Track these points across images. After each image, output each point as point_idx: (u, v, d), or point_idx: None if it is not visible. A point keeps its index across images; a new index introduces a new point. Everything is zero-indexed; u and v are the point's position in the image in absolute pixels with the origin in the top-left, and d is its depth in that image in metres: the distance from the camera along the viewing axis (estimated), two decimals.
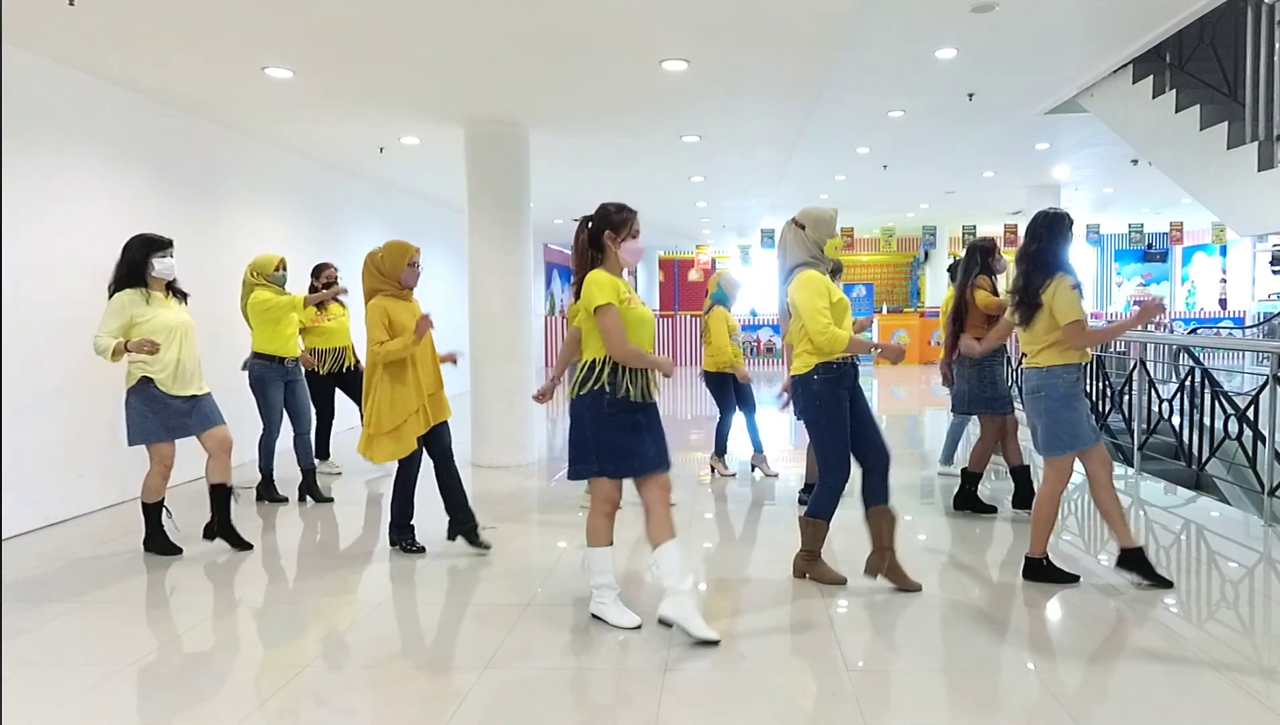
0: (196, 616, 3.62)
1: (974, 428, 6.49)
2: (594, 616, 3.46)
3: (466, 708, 2.74)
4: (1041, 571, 3.88)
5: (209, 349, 5.11)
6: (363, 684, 2.98)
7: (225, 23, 4.61)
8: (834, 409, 3.73)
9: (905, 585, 3.78)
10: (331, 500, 5.75)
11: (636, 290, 3.66)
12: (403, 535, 4.49)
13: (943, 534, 4.80)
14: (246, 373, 5.59)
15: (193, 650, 3.28)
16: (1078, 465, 3.88)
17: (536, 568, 4.25)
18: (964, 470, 5.21)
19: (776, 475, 6.35)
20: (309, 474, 5.74)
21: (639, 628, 3.35)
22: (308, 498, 5.71)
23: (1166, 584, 3.80)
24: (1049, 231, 3.81)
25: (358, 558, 4.51)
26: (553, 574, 4.12)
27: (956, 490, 5.24)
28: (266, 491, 5.68)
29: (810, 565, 3.92)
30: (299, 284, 6.22)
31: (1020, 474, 5.17)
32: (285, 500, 5.70)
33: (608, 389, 3.28)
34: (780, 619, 3.52)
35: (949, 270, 5.95)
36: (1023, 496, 5.13)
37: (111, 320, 4.31)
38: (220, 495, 4.51)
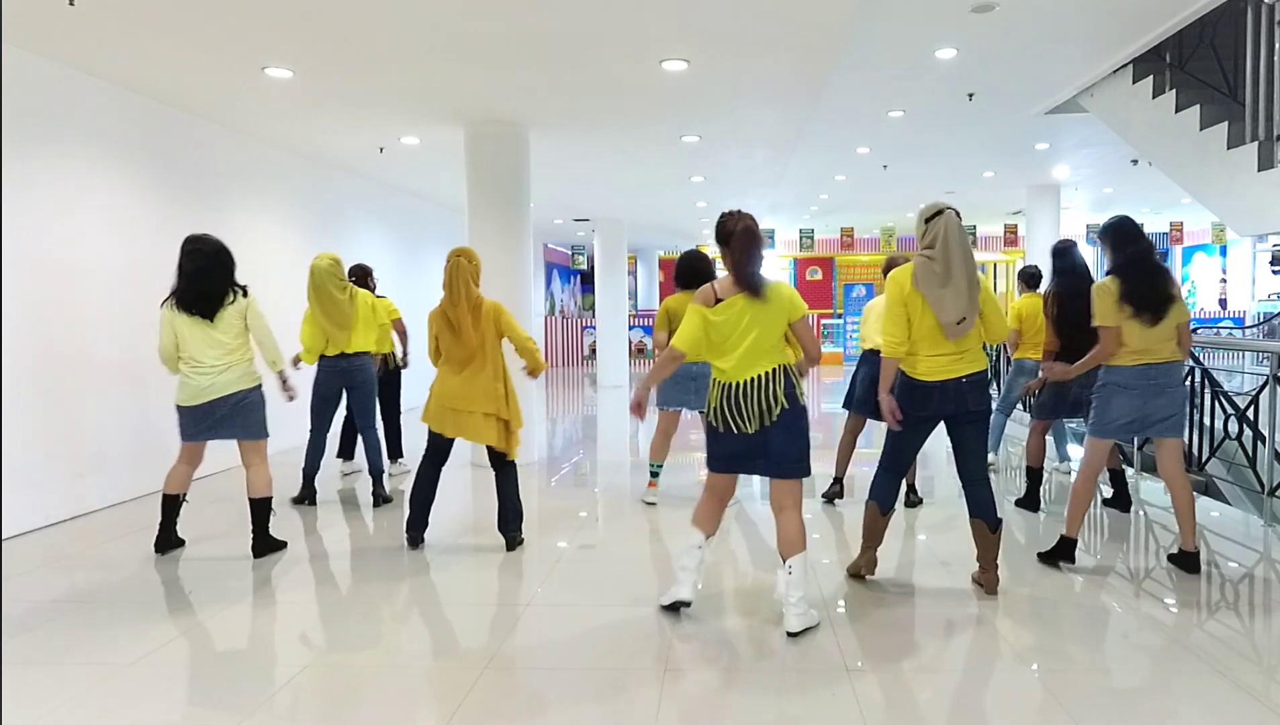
0: (195, 617, 3.62)
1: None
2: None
3: (466, 708, 2.74)
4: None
5: None
6: (362, 684, 2.98)
7: (225, 23, 4.60)
8: None
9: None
10: (390, 500, 5.61)
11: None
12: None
13: (944, 533, 4.80)
14: (374, 374, 5.66)
15: (192, 650, 3.28)
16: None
17: (537, 568, 4.25)
18: (1030, 468, 5.38)
19: None
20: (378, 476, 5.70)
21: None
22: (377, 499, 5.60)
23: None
24: (1142, 235, 3.97)
25: (356, 559, 4.51)
26: (553, 574, 4.11)
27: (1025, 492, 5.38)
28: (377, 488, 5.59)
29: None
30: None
31: (1036, 476, 5.33)
32: (390, 499, 5.60)
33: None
34: (780, 619, 3.52)
35: (1029, 277, 6.23)
36: (1032, 498, 5.28)
37: None
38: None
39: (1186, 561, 3.99)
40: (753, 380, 3.21)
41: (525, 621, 3.49)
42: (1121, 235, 3.93)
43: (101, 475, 5.48)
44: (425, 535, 4.57)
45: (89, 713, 2.75)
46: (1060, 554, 4.07)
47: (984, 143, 9.69)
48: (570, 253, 20.08)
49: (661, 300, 23.18)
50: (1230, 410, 5.68)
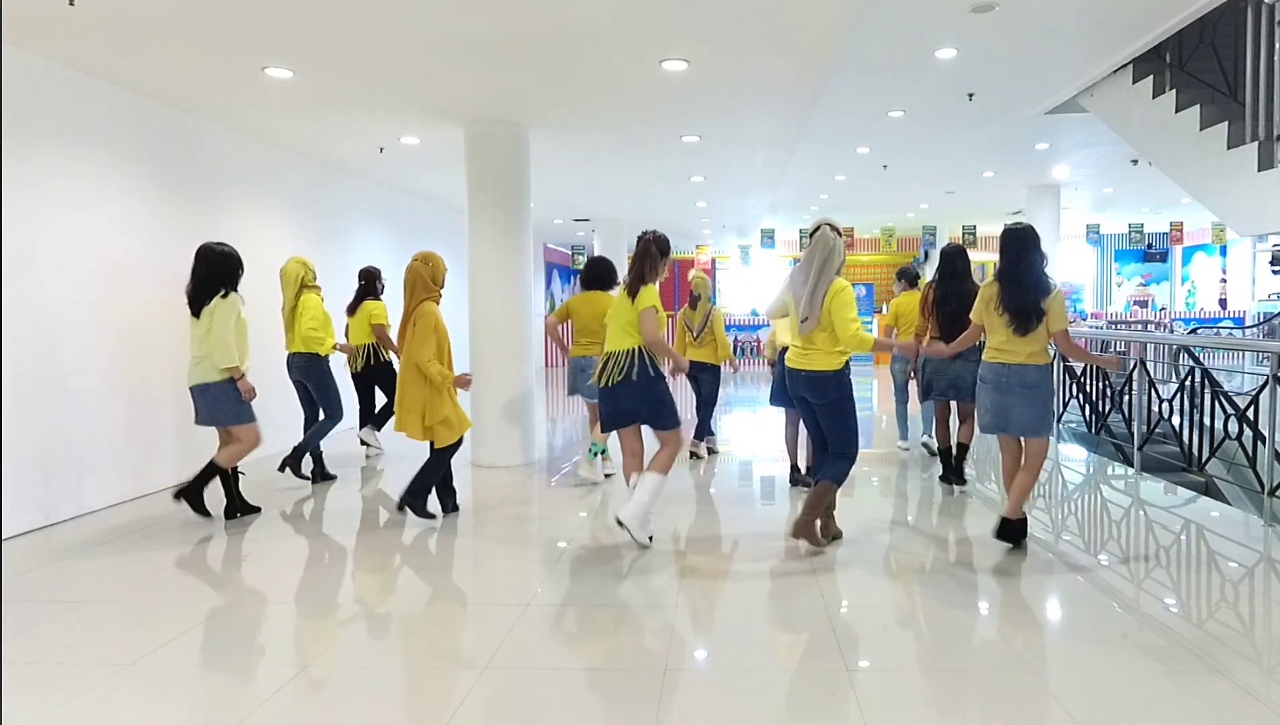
0: (195, 617, 3.62)
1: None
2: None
3: (466, 708, 2.74)
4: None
5: None
6: (362, 685, 2.98)
7: (225, 23, 4.61)
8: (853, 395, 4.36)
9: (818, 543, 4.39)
10: (308, 478, 6.20)
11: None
12: (416, 500, 5.02)
13: (943, 531, 4.80)
14: (317, 369, 6.09)
15: (192, 650, 3.28)
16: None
17: (536, 567, 4.25)
18: (962, 445, 5.86)
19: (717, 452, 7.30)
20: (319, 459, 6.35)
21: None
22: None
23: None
24: (1038, 247, 4.28)
25: (356, 559, 4.51)
26: (553, 574, 4.12)
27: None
28: (321, 472, 6.29)
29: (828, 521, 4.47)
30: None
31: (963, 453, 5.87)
32: (309, 478, 6.22)
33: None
34: (780, 619, 3.52)
35: (912, 277, 7.05)
36: (956, 474, 5.86)
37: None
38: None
39: (1009, 530, 4.33)
40: (613, 353, 4.46)
41: (525, 621, 3.49)
42: (1011, 244, 4.30)
43: (102, 475, 5.48)
44: (429, 509, 5.06)
45: (89, 713, 2.75)
46: (1005, 534, 4.36)
47: (984, 143, 9.69)
48: (570, 253, 20.08)
49: (661, 300, 23.20)
50: (1230, 410, 5.68)
